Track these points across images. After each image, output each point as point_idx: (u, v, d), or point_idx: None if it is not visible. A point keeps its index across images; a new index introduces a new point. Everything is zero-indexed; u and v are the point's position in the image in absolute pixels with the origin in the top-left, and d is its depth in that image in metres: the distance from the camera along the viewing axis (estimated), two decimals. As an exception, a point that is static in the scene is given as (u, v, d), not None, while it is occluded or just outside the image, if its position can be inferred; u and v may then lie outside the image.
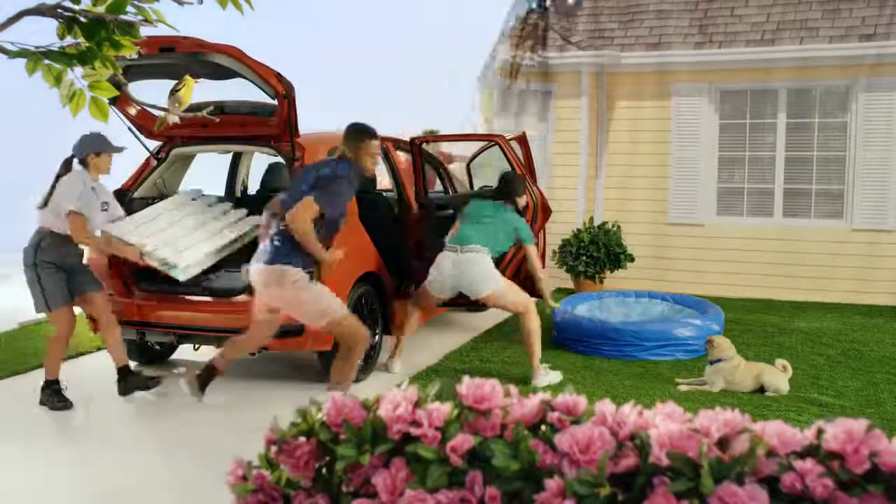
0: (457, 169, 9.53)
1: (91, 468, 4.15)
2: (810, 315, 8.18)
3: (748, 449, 1.04)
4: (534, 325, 5.68)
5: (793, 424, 1.28)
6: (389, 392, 1.22)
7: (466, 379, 1.21)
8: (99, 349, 6.28)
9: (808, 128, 9.14)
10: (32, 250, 5.02)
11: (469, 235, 5.75)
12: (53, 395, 5.08)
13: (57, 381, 5.12)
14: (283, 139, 5.65)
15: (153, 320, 5.51)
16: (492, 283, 5.67)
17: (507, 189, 5.97)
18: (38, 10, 2.20)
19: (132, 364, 5.67)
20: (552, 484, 1.01)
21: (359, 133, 4.73)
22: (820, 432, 1.07)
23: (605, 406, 1.15)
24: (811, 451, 1.06)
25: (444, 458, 1.08)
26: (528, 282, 7.05)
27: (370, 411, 1.19)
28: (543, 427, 1.16)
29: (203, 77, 5.18)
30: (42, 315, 5.27)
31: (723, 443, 1.07)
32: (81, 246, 5.14)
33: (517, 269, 6.70)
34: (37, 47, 2.24)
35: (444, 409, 1.15)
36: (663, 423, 1.09)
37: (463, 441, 1.09)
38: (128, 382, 5.32)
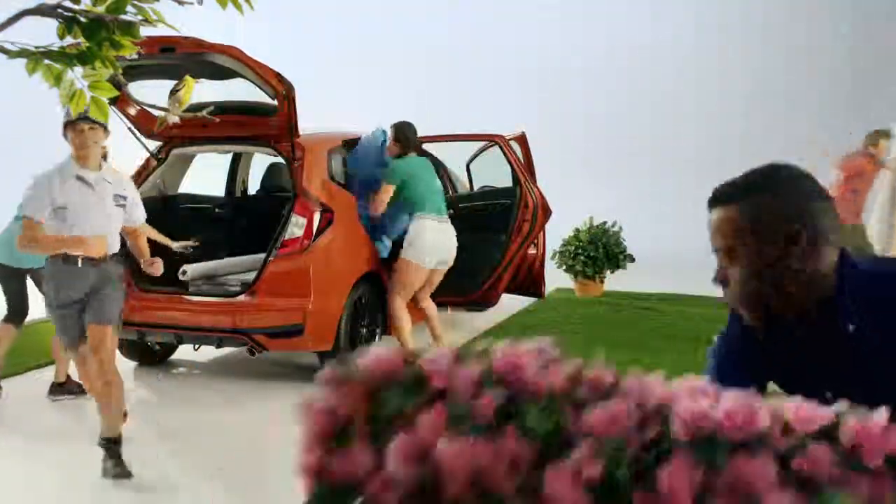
0: None
1: (90, 468, 4.15)
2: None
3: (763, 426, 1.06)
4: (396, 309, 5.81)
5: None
6: (430, 348, 1.27)
7: (505, 343, 1.27)
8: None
9: None
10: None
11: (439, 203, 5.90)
12: (113, 460, 4.04)
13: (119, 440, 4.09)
14: (283, 139, 5.65)
15: (153, 321, 5.51)
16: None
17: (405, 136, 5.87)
18: (38, 10, 2.21)
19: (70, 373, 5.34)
20: (584, 444, 1.03)
21: None
22: (838, 417, 1.08)
23: (632, 381, 1.17)
24: (828, 433, 1.06)
25: (477, 415, 1.12)
26: (526, 281, 7.04)
27: (411, 365, 1.23)
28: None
29: (203, 77, 5.18)
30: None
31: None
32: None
33: (517, 269, 6.69)
34: (37, 47, 2.24)
35: (479, 369, 1.19)
36: (685, 397, 1.12)
37: (496, 398, 1.12)
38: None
